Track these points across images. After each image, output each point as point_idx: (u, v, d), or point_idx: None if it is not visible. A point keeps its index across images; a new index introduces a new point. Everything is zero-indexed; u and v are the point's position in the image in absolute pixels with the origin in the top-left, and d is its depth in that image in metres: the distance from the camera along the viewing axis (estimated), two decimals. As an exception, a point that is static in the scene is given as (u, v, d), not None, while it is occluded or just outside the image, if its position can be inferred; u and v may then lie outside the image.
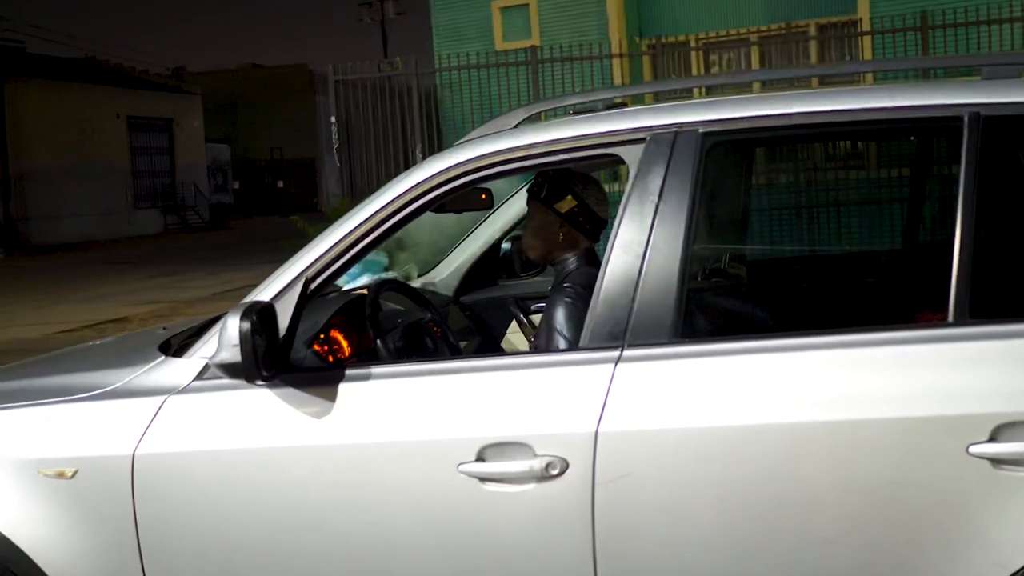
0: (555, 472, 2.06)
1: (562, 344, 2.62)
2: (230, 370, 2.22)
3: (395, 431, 2.20)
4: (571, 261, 2.84)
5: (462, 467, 2.11)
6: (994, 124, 2.09)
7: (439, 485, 2.14)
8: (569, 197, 2.82)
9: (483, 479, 2.11)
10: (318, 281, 2.36)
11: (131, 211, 33.69)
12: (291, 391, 2.28)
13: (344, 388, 2.25)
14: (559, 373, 2.17)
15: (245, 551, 2.28)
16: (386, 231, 2.35)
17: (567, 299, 2.67)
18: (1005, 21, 10.19)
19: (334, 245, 2.35)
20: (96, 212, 31.55)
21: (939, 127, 2.64)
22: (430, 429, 2.18)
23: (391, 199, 2.33)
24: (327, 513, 2.22)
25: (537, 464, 2.07)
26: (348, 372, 2.29)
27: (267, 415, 2.28)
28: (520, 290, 3.87)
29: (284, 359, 2.29)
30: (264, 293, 2.34)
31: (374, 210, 2.34)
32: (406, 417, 2.21)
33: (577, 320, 2.51)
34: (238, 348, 2.16)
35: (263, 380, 2.23)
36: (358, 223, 2.35)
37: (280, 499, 2.25)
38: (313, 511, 2.23)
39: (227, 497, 2.29)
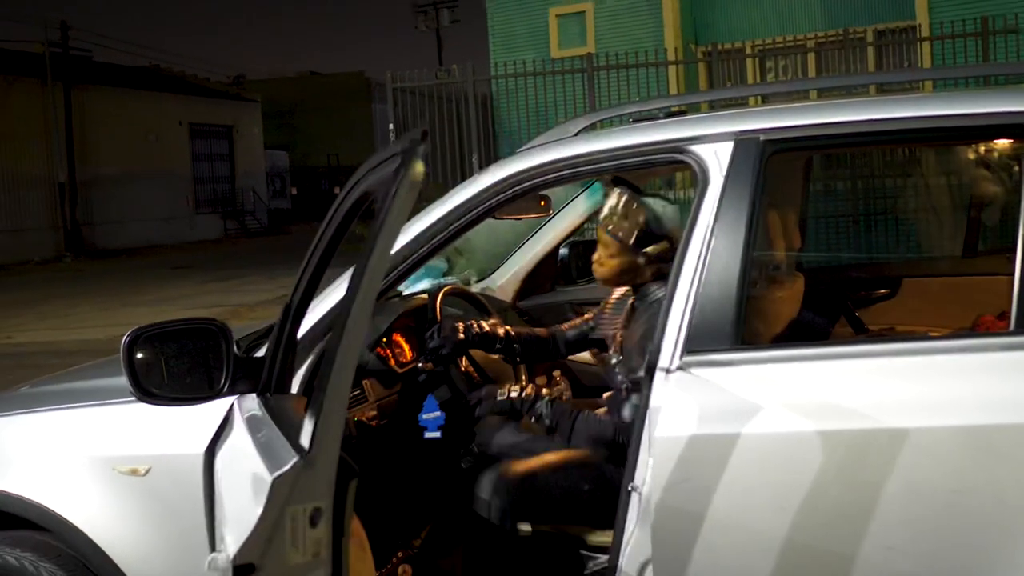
0: None
1: None
2: None
3: None
4: (654, 285, 2.79)
5: None
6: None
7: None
8: (665, 243, 2.74)
9: None
10: (385, 283, 2.40)
11: (192, 216, 34.31)
12: None
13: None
14: None
15: None
16: (449, 236, 2.40)
17: None
18: (1069, 26, 9.98)
19: (400, 249, 2.39)
20: (158, 217, 32.19)
21: (1000, 135, 2.62)
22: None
23: (457, 204, 2.38)
24: None
25: None
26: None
27: None
28: (577, 296, 3.90)
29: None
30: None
31: (440, 215, 2.39)
32: None
33: None
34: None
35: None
36: (423, 228, 2.39)
37: None
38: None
39: None
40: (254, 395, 2.28)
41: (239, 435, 2.36)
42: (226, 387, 2.21)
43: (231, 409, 2.41)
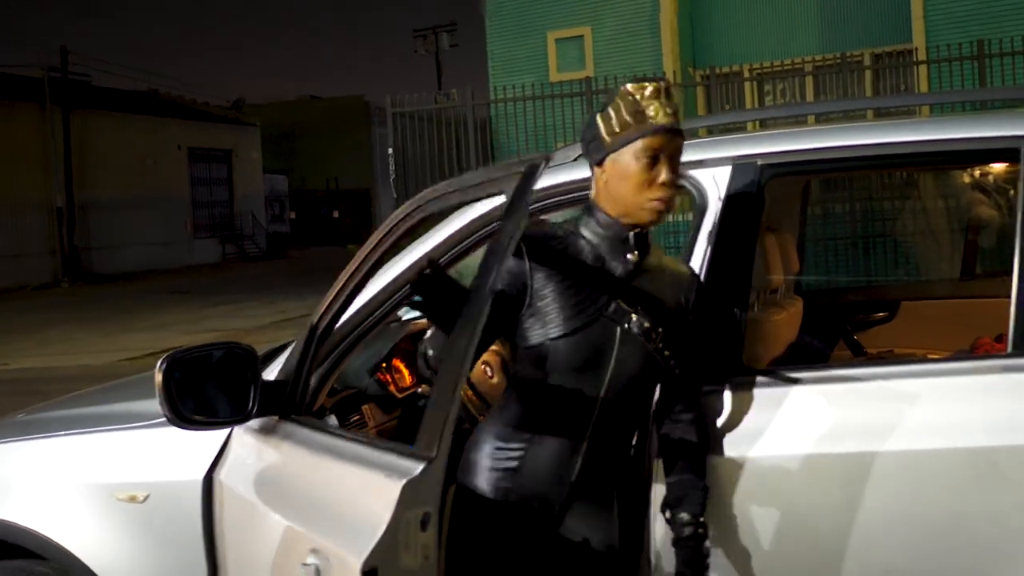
0: None
1: None
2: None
3: None
4: None
5: None
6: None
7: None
8: None
9: None
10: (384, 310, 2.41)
11: (190, 241, 34.36)
12: None
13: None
14: None
15: None
16: (449, 261, 2.40)
17: None
18: (1065, 49, 10.06)
19: (400, 273, 2.40)
20: (156, 241, 32.23)
21: (996, 159, 2.63)
22: None
23: (456, 229, 2.38)
24: None
25: None
26: None
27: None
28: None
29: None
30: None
31: (440, 241, 2.39)
32: None
33: None
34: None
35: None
36: (423, 255, 2.40)
37: None
38: None
39: None
40: (264, 419, 2.30)
41: (242, 460, 2.36)
42: (255, 410, 2.25)
43: (230, 435, 2.42)
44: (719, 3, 12.87)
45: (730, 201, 2.19)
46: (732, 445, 2.05)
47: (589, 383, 1.91)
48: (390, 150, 11.86)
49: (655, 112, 1.88)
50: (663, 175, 1.88)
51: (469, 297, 1.65)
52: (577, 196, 2.38)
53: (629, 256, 1.94)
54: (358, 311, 2.40)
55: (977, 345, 3.15)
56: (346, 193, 44.48)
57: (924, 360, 2.09)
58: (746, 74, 12.15)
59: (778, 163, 2.23)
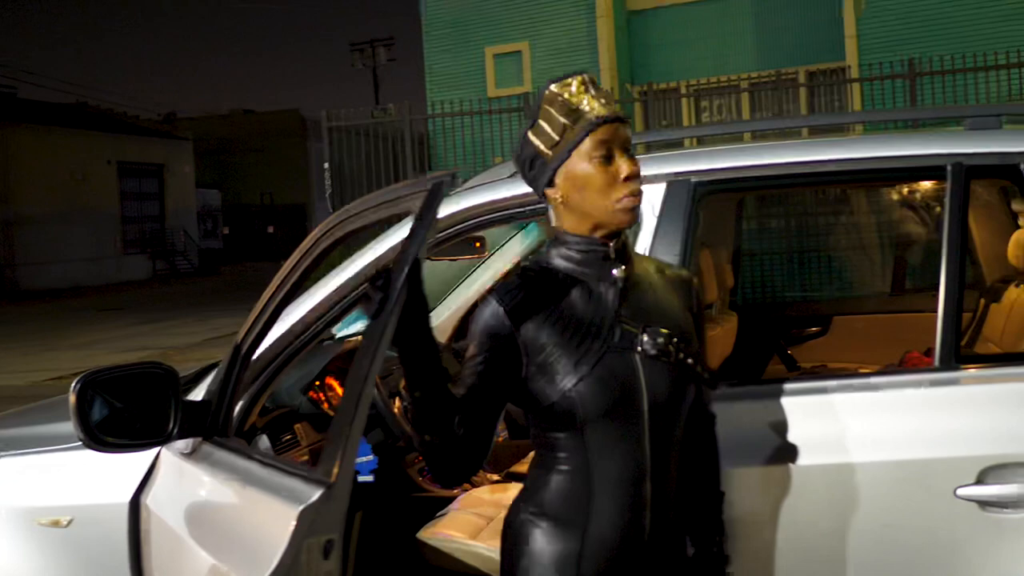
0: None
1: None
2: None
3: None
4: None
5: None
6: (976, 173, 2.14)
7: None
8: None
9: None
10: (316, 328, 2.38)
11: (120, 257, 33.65)
12: None
13: None
14: None
15: None
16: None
17: None
18: (991, 68, 10.40)
19: (332, 293, 2.36)
20: (85, 258, 31.51)
21: (924, 176, 2.69)
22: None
23: (386, 249, 2.36)
24: None
25: None
26: None
27: None
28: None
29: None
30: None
31: (370, 260, 2.36)
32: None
33: None
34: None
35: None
36: (357, 270, 2.36)
37: None
38: None
39: None
40: (189, 440, 2.25)
41: (167, 483, 2.31)
42: (176, 431, 2.18)
43: (158, 456, 2.36)
44: (656, 20, 13.05)
45: (664, 218, 2.20)
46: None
47: (631, 424, 1.67)
48: (326, 165, 11.77)
49: (590, 105, 1.68)
50: (624, 167, 1.66)
51: (373, 317, 1.59)
52: (513, 213, 2.37)
53: (615, 272, 1.71)
54: (289, 330, 2.36)
55: (906, 359, 3.21)
56: (281, 208, 43.98)
57: (855, 374, 2.11)
58: (683, 90, 12.31)
59: (712, 180, 2.25)
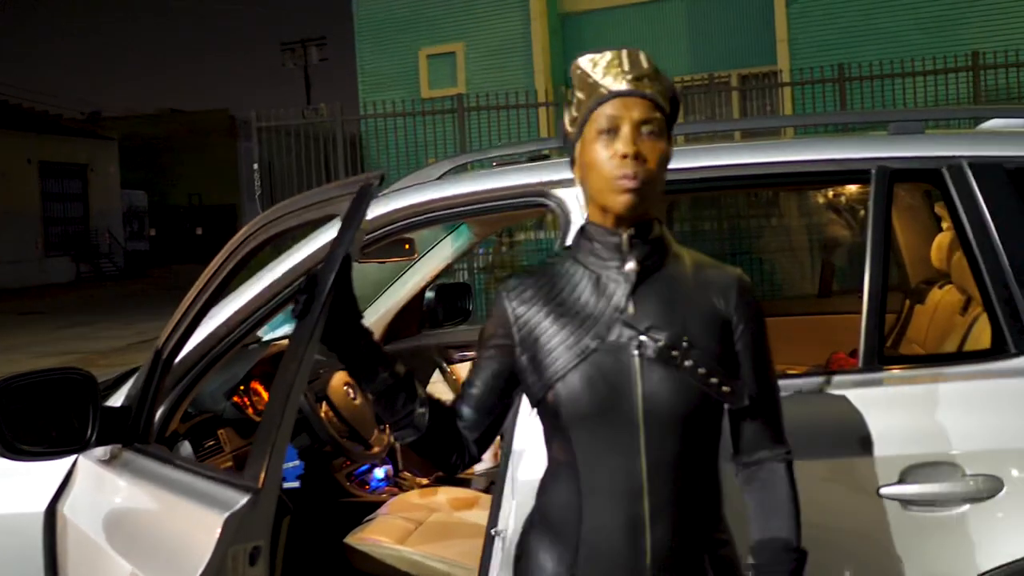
0: None
1: None
2: None
3: None
4: None
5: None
6: (900, 177, 2.18)
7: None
8: None
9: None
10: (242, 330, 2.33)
11: (41, 259, 32.73)
12: None
13: None
14: None
15: None
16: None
17: None
18: (918, 74, 10.69)
19: (259, 293, 2.31)
20: (4, 260, 30.56)
21: (851, 180, 2.73)
22: None
23: (313, 251, 2.32)
24: None
25: None
26: None
27: None
28: (443, 339, 3.86)
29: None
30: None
31: (300, 259, 2.32)
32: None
33: None
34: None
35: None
36: (283, 272, 2.32)
37: None
38: None
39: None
40: (108, 447, 2.21)
41: (85, 491, 2.24)
42: (94, 438, 2.13)
43: (75, 464, 2.29)
44: (590, 22, 13.14)
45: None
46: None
47: (622, 432, 1.53)
48: (255, 166, 11.59)
49: (611, 79, 1.56)
50: (622, 144, 1.52)
51: (299, 319, 1.57)
52: (442, 215, 2.35)
53: (628, 266, 1.57)
54: (212, 333, 2.31)
55: (832, 360, 3.25)
56: (210, 209, 43.21)
57: (782, 375, 2.12)
58: (617, 93, 12.37)
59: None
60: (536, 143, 2.80)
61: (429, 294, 3.87)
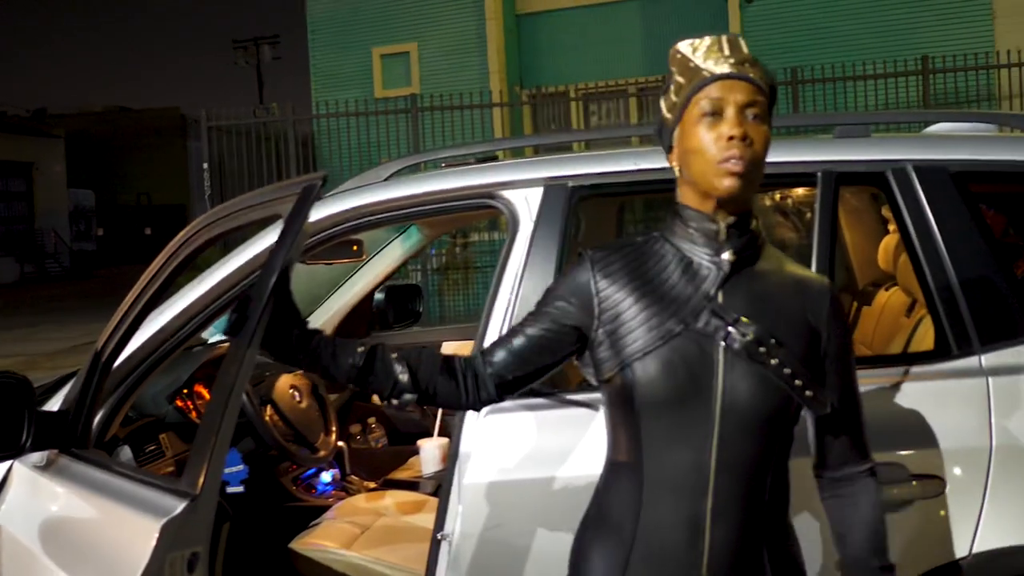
0: None
1: None
2: None
3: None
4: None
5: None
6: (845, 180, 2.20)
7: None
8: None
9: None
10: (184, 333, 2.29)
11: (-16, 259, 32.09)
12: None
13: None
14: None
15: None
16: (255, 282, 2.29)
17: None
18: (869, 78, 10.87)
19: (203, 294, 2.27)
20: (-55, 260, 29.93)
21: (797, 183, 2.75)
22: None
23: (259, 252, 2.28)
24: None
25: None
26: None
27: None
28: (393, 340, 3.83)
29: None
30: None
31: (243, 262, 2.28)
32: None
33: None
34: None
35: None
36: (227, 274, 2.28)
37: None
38: None
39: None
40: (45, 453, 2.17)
41: (20, 498, 2.20)
42: (29, 444, 2.10)
43: (10, 470, 2.24)
44: (545, 24, 13.15)
45: (542, 221, 2.19)
46: (533, 467, 2.04)
47: (696, 424, 1.48)
48: (205, 165, 11.44)
49: (712, 62, 1.53)
50: (727, 127, 1.48)
51: (239, 330, 1.55)
52: (389, 217, 2.33)
53: (724, 256, 1.52)
54: (154, 335, 2.27)
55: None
56: (160, 209, 42.58)
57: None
58: (572, 94, 12.45)
59: (586, 185, 2.25)
60: (490, 144, 2.79)
61: (379, 295, 3.83)
